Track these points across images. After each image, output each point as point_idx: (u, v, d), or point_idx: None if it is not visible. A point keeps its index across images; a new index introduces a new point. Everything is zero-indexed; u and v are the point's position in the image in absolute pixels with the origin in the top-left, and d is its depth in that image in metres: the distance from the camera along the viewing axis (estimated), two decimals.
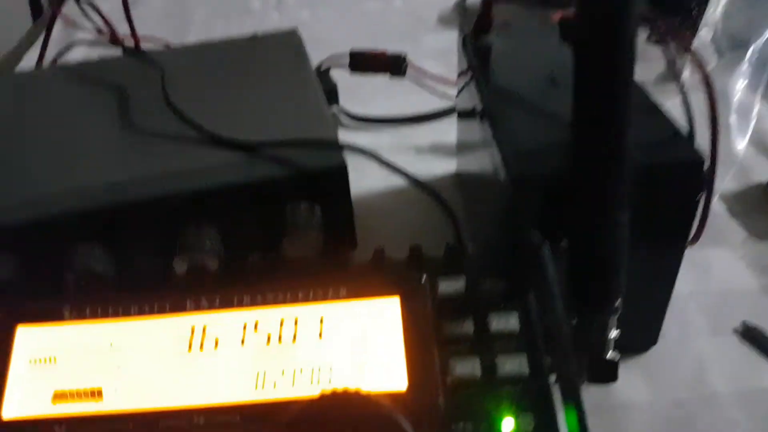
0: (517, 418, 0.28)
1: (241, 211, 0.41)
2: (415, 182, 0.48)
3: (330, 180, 0.42)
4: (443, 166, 0.58)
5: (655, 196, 0.33)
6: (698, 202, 0.35)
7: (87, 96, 0.52)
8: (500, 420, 0.29)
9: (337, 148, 0.43)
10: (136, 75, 0.53)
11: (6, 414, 0.30)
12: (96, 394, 0.30)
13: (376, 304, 0.32)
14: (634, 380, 0.40)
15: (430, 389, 0.29)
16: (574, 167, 0.31)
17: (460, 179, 0.56)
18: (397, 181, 0.51)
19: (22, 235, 0.38)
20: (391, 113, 0.65)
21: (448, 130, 0.60)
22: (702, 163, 0.33)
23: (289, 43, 0.58)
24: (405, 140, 0.63)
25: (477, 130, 0.43)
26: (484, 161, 0.41)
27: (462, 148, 0.55)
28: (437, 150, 0.61)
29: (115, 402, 0.30)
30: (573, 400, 0.27)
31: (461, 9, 0.85)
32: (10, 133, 0.48)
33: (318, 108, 0.48)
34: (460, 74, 0.51)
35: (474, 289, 0.31)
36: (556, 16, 0.50)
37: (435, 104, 0.66)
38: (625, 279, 0.32)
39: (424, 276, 0.32)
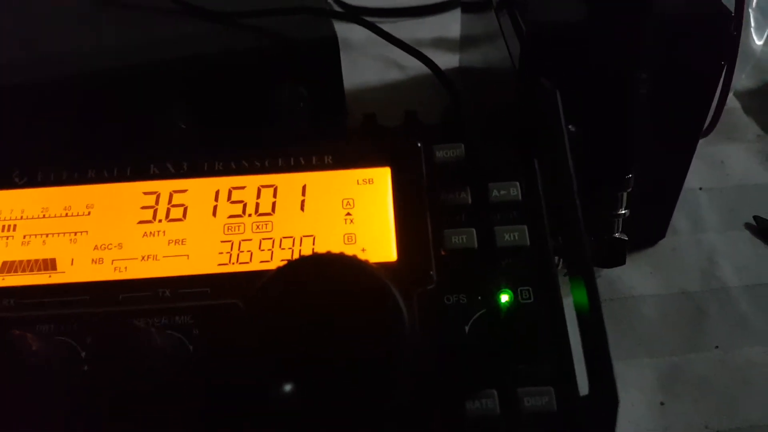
0: (514, 290, 0.26)
1: (219, 88, 0.38)
2: (412, 51, 0.43)
3: (318, 53, 0.38)
4: (445, 61, 0.53)
5: (677, 55, 0.30)
6: (720, 71, 0.31)
7: None
8: (497, 293, 0.26)
9: (325, 15, 0.39)
10: None
11: None
12: (49, 264, 0.27)
13: (365, 174, 0.28)
14: (644, 272, 0.38)
15: (421, 260, 0.26)
16: (593, 15, 0.28)
17: (463, 75, 0.52)
18: (390, 58, 0.47)
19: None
20: (390, 4, 0.60)
21: (450, 25, 0.56)
22: (729, 16, 0.29)
23: None
24: (404, 34, 0.59)
25: (486, 21, 0.39)
26: (492, 50, 0.37)
27: (467, 41, 0.51)
28: (439, 44, 0.57)
29: (71, 273, 0.27)
30: (583, 273, 0.25)
31: None
32: None
33: None
34: None
35: (473, 156, 0.28)
36: None
37: None
38: (638, 151, 0.29)
39: (419, 143, 0.29)
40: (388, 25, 0.59)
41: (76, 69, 0.35)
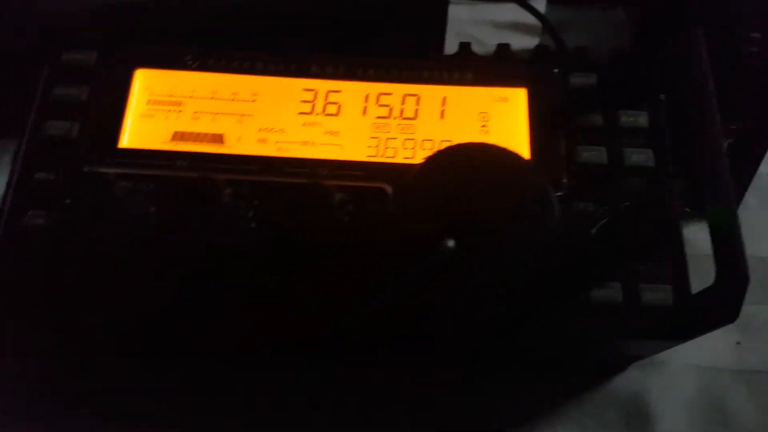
0: (637, 203, 0.29)
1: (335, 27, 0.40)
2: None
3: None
4: (524, 42, 0.56)
5: None
6: None
7: None
8: (622, 204, 0.29)
9: None
10: None
11: (124, 143, 0.30)
12: (218, 138, 0.30)
13: (502, 92, 0.31)
14: None
15: (553, 168, 0.29)
16: None
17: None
18: None
19: None
20: None
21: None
22: None
23: None
24: (483, 16, 0.61)
25: None
26: None
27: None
28: (518, 27, 0.60)
29: (238, 147, 0.30)
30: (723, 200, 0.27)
31: None
32: None
33: None
34: None
35: (605, 85, 0.31)
36: None
37: None
38: None
39: (555, 69, 0.31)
40: (467, 7, 0.62)
41: None
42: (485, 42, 0.53)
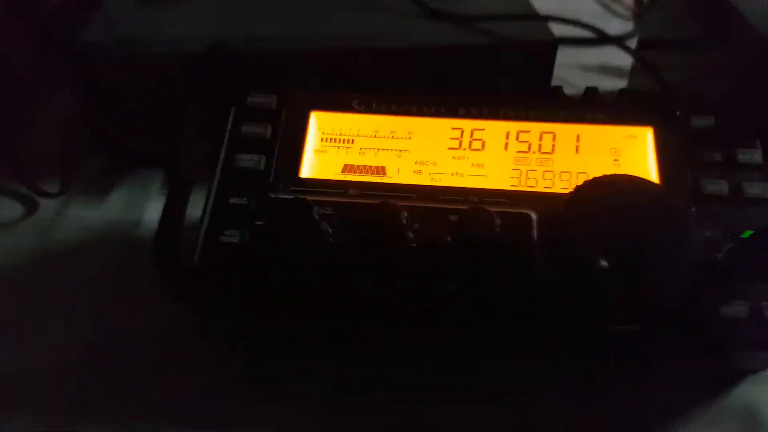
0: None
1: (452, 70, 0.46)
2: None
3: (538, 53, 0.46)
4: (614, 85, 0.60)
5: None
6: None
7: None
8: (746, 233, 0.32)
9: (544, 20, 0.46)
10: None
11: (303, 174, 0.35)
12: (381, 170, 0.35)
13: (630, 131, 0.35)
14: None
15: (683, 200, 0.33)
16: None
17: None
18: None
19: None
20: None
21: (615, 54, 0.60)
22: None
23: None
24: (570, 59, 0.65)
25: None
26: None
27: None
28: (605, 70, 0.63)
29: (398, 178, 0.35)
30: None
31: None
32: None
33: None
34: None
35: (722, 126, 0.35)
36: None
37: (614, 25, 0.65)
38: None
39: (678, 111, 0.35)
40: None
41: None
42: (575, 84, 0.57)
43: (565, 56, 0.51)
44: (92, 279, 0.41)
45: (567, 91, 0.38)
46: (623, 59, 0.56)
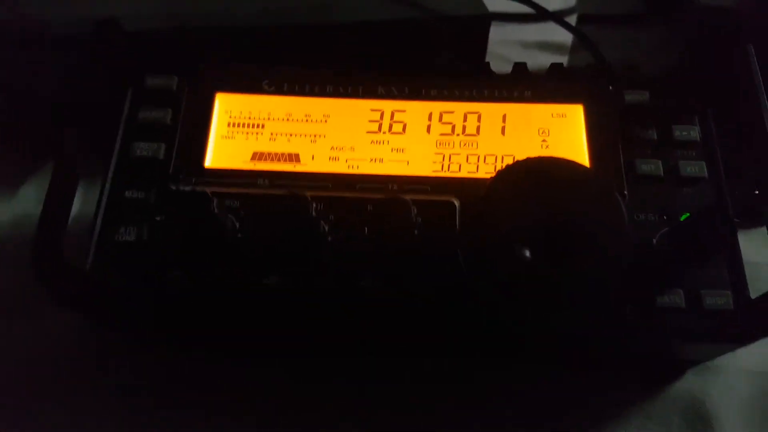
0: (692, 213, 0.30)
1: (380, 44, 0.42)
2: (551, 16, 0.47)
3: (472, 27, 0.43)
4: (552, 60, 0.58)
5: None
6: None
7: None
8: (681, 215, 0.30)
9: None
10: None
11: (208, 163, 0.32)
12: (294, 158, 0.32)
13: (559, 109, 0.33)
14: None
15: (615, 182, 0.31)
16: None
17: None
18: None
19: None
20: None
21: (556, 31, 0.57)
22: None
23: None
24: (510, 36, 0.62)
25: None
26: None
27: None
28: (545, 47, 0.61)
29: (312, 165, 0.32)
30: None
31: None
32: None
33: None
34: None
35: (657, 101, 0.33)
36: None
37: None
38: None
39: (610, 86, 0.33)
40: (495, 28, 0.63)
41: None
42: (513, 61, 0.54)
43: (503, 33, 0.49)
44: None
45: (501, 68, 0.36)
46: (564, 35, 0.53)
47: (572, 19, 0.52)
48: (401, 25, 0.42)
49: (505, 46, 0.51)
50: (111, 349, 0.35)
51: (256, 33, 0.39)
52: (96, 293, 0.30)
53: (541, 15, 0.46)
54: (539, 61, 0.45)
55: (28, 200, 0.42)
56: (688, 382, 0.34)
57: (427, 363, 0.34)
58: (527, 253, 0.26)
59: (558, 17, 0.45)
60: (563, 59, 0.53)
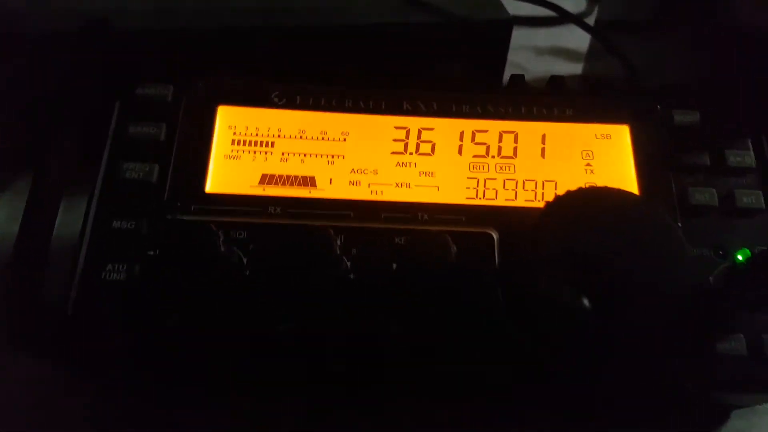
0: (752, 249, 0.27)
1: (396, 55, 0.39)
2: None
3: (492, 33, 0.40)
4: (566, 68, 0.53)
5: None
6: None
7: None
8: (737, 250, 0.28)
9: None
10: None
11: (209, 187, 0.28)
12: (309, 181, 0.28)
13: (604, 129, 0.30)
14: None
15: (670, 214, 0.28)
16: None
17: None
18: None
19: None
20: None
21: (569, 36, 0.55)
22: None
23: None
24: (522, 41, 0.59)
25: None
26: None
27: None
28: (559, 53, 0.58)
29: (330, 191, 0.28)
30: None
31: None
32: None
33: None
34: None
35: (709, 122, 0.30)
36: None
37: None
38: None
39: (658, 105, 0.30)
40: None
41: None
42: (527, 68, 0.51)
43: (517, 38, 0.46)
44: None
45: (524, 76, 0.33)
46: (578, 41, 0.51)
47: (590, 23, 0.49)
48: (417, 28, 0.38)
49: (519, 52, 0.48)
50: (93, 400, 0.31)
51: (262, 35, 0.34)
52: (79, 339, 0.26)
53: (561, 18, 0.43)
54: (555, 68, 0.42)
55: None
56: (735, 428, 0.32)
57: (456, 407, 0.31)
58: (584, 301, 0.23)
59: (580, 20, 0.42)
60: (579, 66, 0.51)
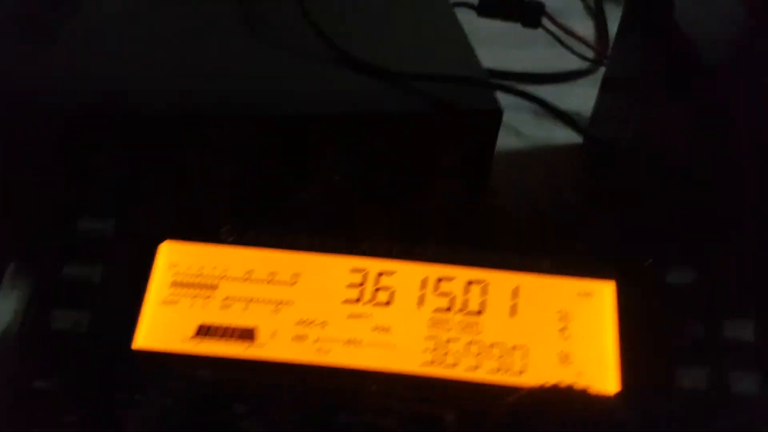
0: None
1: (375, 142, 0.36)
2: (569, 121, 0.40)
3: (480, 124, 0.37)
4: (566, 136, 0.48)
5: None
6: None
7: None
8: None
9: (490, 87, 0.38)
10: None
11: (139, 341, 0.25)
12: (248, 334, 0.26)
13: (585, 286, 0.27)
14: None
15: (650, 399, 0.25)
16: None
17: (590, 155, 0.48)
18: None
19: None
20: (510, 66, 0.55)
21: (573, 95, 0.51)
22: None
23: None
24: (521, 101, 0.56)
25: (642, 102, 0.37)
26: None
27: (605, 119, 0.48)
28: (561, 116, 0.54)
29: (271, 347, 0.25)
30: None
31: None
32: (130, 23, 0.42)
33: (462, 38, 0.42)
34: (622, 31, 0.44)
35: (705, 282, 0.26)
36: None
37: (562, 62, 0.56)
38: None
39: (649, 260, 0.27)
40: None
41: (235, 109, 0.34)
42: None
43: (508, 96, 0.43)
44: None
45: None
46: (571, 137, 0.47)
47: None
48: (401, 117, 0.35)
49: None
50: None
51: (218, 124, 0.32)
52: None
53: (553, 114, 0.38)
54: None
55: None
56: None
57: None
58: None
59: (569, 119, 0.38)
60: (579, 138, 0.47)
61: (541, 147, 0.44)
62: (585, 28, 0.63)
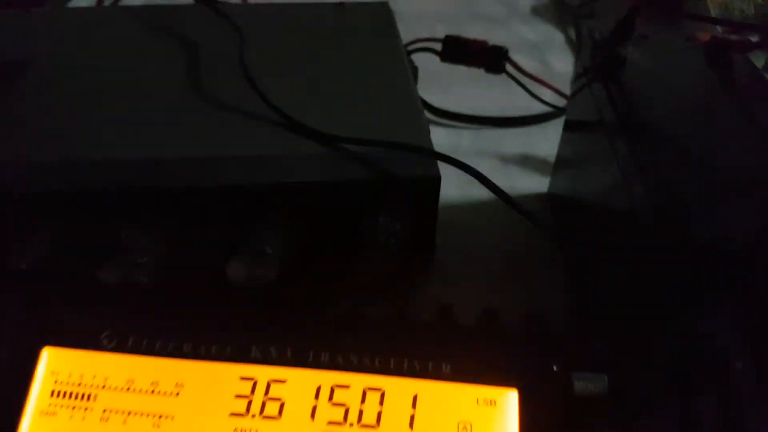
0: None
1: (310, 212, 0.35)
2: (512, 205, 0.40)
3: (419, 191, 0.36)
4: (531, 183, 0.50)
5: None
6: None
7: (151, 45, 0.45)
8: None
9: (432, 156, 0.37)
10: (209, 29, 0.47)
11: None
12: None
13: (488, 393, 0.25)
14: None
15: None
16: None
17: (554, 203, 0.49)
18: (479, 195, 0.43)
19: (55, 207, 0.32)
20: (474, 109, 0.56)
21: (540, 139, 0.53)
22: None
23: (378, 15, 0.51)
24: (488, 145, 0.54)
25: (600, 148, 0.36)
26: (611, 191, 0.33)
27: (567, 165, 0.47)
28: (526, 162, 0.53)
29: None
30: None
31: (559, 3, 0.76)
32: (58, 81, 0.41)
33: (410, 99, 0.41)
34: (579, 78, 0.43)
35: (618, 389, 0.25)
36: (704, 36, 0.42)
37: (525, 106, 0.57)
38: None
39: (555, 366, 0.25)
40: (473, 133, 0.56)
41: (161, 180, 0.33)
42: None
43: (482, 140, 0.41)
44: None
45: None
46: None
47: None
48: (340, 186, 0.34)
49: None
50: None
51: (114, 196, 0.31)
52: None
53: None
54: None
55: None
56: None
57: None
58: None
59: (518, 205, 0.36)
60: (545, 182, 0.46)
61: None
62: (564, 64, 0.64)
